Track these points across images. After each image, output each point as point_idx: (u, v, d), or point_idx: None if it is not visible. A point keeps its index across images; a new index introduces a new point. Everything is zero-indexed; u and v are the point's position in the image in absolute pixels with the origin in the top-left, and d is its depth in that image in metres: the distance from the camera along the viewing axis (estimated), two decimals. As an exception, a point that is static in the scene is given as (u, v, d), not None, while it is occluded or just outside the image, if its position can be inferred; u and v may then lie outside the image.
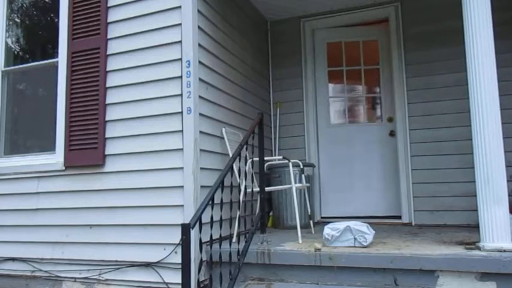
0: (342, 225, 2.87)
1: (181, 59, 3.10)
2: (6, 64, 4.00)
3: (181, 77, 3.09)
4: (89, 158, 3.34)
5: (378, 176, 4.67)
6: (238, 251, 2.80)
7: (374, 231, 2.85)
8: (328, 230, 2.88)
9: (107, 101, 3.35)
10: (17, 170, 3.64)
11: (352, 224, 2.86)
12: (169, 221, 3.02)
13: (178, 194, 3.01)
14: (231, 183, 2.83)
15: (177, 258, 2.88)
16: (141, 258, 3.09)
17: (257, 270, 2.90)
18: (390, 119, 4.83)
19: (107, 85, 3.36)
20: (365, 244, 2.78)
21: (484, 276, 2.37)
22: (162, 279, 3.01)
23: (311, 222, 3.81)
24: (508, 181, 2.56)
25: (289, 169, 3.33)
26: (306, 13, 4.83)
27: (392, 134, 4.76)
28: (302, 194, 3.98)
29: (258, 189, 3.29)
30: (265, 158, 3.36)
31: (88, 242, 3.29)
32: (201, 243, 2.41)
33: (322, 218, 4.70)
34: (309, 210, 3.90)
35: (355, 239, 2.81)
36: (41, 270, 3.43)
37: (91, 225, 3.30)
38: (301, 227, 3.20)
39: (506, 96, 3.56)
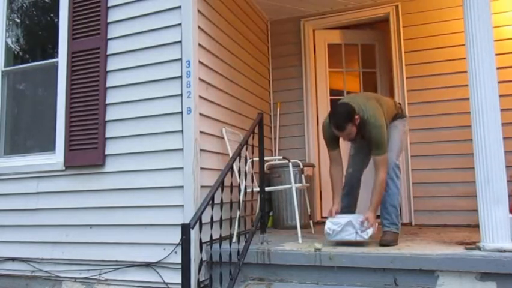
0: (343, 219, 2.87)
1: (181, 59, 3.10)
2: (6, 64, 4.00)
3: (181, 77, 3.09)
4: (89, 158, 3.34)
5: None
6: (238, 251, 2.80)
7: (376, 224, 2.85)
8: (329, 224, 2.88)
9: (107, 101, 3.35)
10: (17, 170, 3.64)
11: (354, 218, 2.86)
12: (169, 221, 3.02)
13: (178, 194, 3.01)
14: (231, 183, 2.83)
15: (177, 258, 2.88)
16: (141, 258, 3.09)
17: (257, 270, 2.89)
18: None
19: (107, 85, 3.36)
20: (366, 237, 2.78)
21: (484, 276, 2.37)
22: (162, 279, 3.01)
23: (311, 222, 3.81)
24: (508, 181, 2.55)
25: (289, 169, 3.33)
26: (306, 13, 4.83)
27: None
28: (302, 194, 3.98)
29: (258, 189, 3.29)
30: (265, 158, 3.36)
31: (88, 242, 3.29)
32: (201, 243, 2.41)
33: (322, 218, 4.69)
34: (309, 210, 3.91)
35: (356, 232, 2.81)
36: (41, 270, 3.43)
37: (91, 225, 3.30)
38: (301, 227, 3.20)
39: (506, 96, 3.55)
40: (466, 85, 2.69)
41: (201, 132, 3.11)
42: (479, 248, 2.50)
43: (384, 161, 2.97)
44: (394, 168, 3.07)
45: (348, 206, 3.43)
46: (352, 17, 4.74)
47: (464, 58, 2.71)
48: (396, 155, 3.14)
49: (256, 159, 3.25)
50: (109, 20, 3.42)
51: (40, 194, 3.52)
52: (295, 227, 3.23)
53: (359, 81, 5.09)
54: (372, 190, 2.96)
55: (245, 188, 3.08)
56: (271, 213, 4.32)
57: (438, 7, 4.27)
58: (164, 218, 3.06)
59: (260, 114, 3.25)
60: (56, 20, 3.71)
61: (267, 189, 3.44)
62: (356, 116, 2.94)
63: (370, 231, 2.80)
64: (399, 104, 3.48)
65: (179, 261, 2.26)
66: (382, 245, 2.82)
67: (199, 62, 3.16)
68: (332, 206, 3.08)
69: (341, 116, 2.95)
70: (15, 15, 4.18)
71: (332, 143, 3.22)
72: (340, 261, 2.66)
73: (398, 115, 3.27)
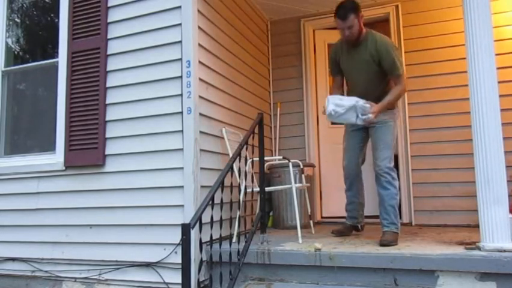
0: (348, 102, 2.97)
1: (181, 59, 3.10)
2: (7, 64, 4.00)
3: (181, 77, 3.09)
4: (89, 158, 3.34)
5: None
6: (238, 251, 2.80)
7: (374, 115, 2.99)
8: (333, 107, 2.97)
9: (107, 101, 3.35)
10: (17, 170, 3.64)
11: (357, 102, 2.96)
12: (169, 221, 3.02)
13: (178, 194, 3.01)
14: (231, 183, 2.82)
15: (177, 258, 2.88)
16: (141, 258, 3.09)
17: (257, 270, 2.90)
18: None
19: (107, 85, 3.36)
20: (362, 123, 2.97)
21: (484, 276, 2.37)
22: (162, 279, 3.01)
23: (311, 222, 3.81)
24: (508, 181, 2.55)
25: (289, 169, 3.33)
26: (306, 13, 4.83)
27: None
28: (302, 194, 3.98)
29: (258, 189, 3.29)
30: (265, 158, 3.36)
31: (88, 242, 3.29)
32: (201, 243, 2.41)
33: (322, 218, 4.70)
34: (309, 210, 3.90)
35: (357, 116, 2.96)
36: (41, 270, 3.43)
37: (91, 225, 3.30)
38: (301, 227, 3.20)
39: (506, 96, 3.55)
40: (466, 85, 2.69)
41: (201, 132, 3.11)
42: (479, 248, 2.51)
43: (403, 80, 3.10)
44: (389, 172, 3.07)
45: (352, 202, 3.43)
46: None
47: (464, 58, 2.71)
48: (390, 158, 3.11)
49: (256, 159, 3.25)
50: (109, 20, 3.42)
51: (40, 194, 3.52)
52: (295, 227, 3.23)
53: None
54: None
55: (245, 188, 3.08)
56: (271, 213, 4.32)
57: (438, 7, 4.27)
58: (164, 218, 3.06)
59: (260, 114, 3.25)
60: (56, 20, 3.71)
61: (267, 189, 3.45)
62: (361, 14, 3.08)
63: (367, 117, 2.97)
64: None
65: (180, 261, 2.26)
66: (382, 245, 2.82)
67: (199, 62, 3.16)
68: None
69: (346, 6, 3.05)
70: (16, 15, 4.18)
71: (335, 67, 3.40)
72: (340, 261, 2.65)
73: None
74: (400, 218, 4.25)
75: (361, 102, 2.98)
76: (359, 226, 3.49)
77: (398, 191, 3.10)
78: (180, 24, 3.14)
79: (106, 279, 3.21)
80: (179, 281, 2.23)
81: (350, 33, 3.07)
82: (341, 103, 2.97)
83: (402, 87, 3.10)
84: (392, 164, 3.10)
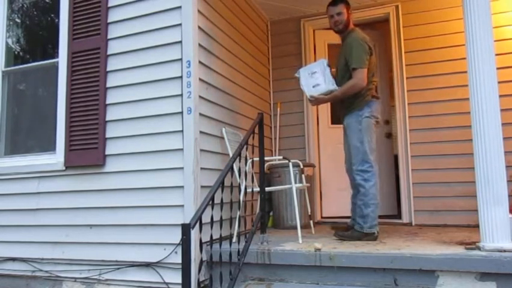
0: (302, 80, 3.38)
1: (181, 59, 3.11)
2: (7, 64, 4.00)
3: (181, 77, 3.09)
4: (90, 158, 3.34)
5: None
6: (239, 251, 2.80)
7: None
8: (299, 73, 3.45)
9: (108, 101, 3.35)
10: (17, 170, 3.64)
11: (303, 86, 3.38)
12: (169, 221, 3.02)
13: (178, 194, 3.02)
14: (231, 183, 2.82)
15: (177, 258, 2.88)
16: (141, 258, 3.10)
17: (257, 270, 2.90)
18: (387, 122, 4.84)
19: (108, 85, 3.36)
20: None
21: (484, 276, 2.38)
22: (162, 279, 3.01)
23: (311, 222, 3.81)
24: (508, 181, 2.56)
25: (290, 169, 3.33)
26: (306, 13, 4.83)
27: (388, 135, 4.78)
28: (302, 194, 3.98)
29: (258, 189, 3.29)
30: (266, 158, 3.36)
31: (88, 242, 3.29)
32: (201, 243, 2.41)
33: (322, 218, 4.70)
34: (309, 210, 3.90)
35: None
36: (41, 270, 3.44)
37: (91, 225, 3.31)
38: (301, 227, 3.20)
39: (506, 96, 3.55)
40: (466, 85, 2.69)
41: (201, 132, 3.11)
42: (479, 248, 2.51)
43: (358, 75, 3.14)
44: (360, 174, 3.15)
45: (353, 204, 3.36)
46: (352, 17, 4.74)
47: (465, 58, 2.71)
48: (361, 160, 3.15)
49: (256, 159, 3.25)
50: (109, 20, 3.42)
51: (41, 194, 3.52)
52: (295, 227, 3.23)
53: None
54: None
55: (245, 188, 3.08)
56: (271, 213, 4.32)
57: (438, 7, 4.27)
58: (164, 218, 3.06)
59: (260, 114, 3.25)
60: (57, 20, 3.71)
61: (267, 189, 3.45)
62: (350, 10, 3.40)
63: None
64: (373, 88, 3.31)
65: (180, 261, 2.26)
66: (335, 232, 3.20)
67: (199, 62, 3.16)
68: None
69: None
70: (16, 16, 4.18)
71: None
72: (340, 261, 2.66)
73: (355, 104, 3.20)
74: (400, 218, 4.30)
75: (307, 88, 3.35)
76: None
77: (370, 192, 3.11)
78: (180, 24, 3.14)
79: (106, 279, 3.21)
80: (180, 281, 2.23)
81: (339, 18, 3.32)
82: (302, 76, 3.41)
83: (354, 81, 3.14)
84: (365, 166, 3.15)
